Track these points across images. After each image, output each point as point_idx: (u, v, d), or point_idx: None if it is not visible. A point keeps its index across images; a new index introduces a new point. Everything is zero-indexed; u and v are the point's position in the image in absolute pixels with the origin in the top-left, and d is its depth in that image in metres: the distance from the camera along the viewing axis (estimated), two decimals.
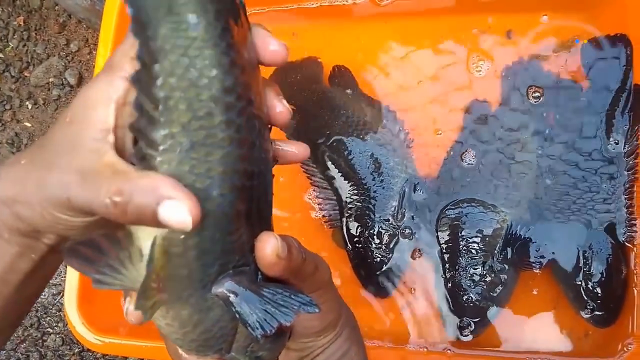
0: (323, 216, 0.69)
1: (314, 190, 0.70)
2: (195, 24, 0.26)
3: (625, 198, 0.59)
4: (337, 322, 0.39)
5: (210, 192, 0.28)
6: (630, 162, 0.59)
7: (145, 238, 0.29)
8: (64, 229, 0.30)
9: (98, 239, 0.29)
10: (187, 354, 0.36)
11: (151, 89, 0.27)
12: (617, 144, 0.60)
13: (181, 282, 0.30)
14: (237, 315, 0.30)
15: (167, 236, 0.28)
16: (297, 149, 0.35)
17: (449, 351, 0.61)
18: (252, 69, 0.30)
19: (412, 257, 0.65)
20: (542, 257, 0.60)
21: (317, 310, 0.30)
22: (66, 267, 0.85)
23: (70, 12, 1.14)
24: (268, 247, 0.30)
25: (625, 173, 0.59)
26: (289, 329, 0.37)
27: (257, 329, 0.29)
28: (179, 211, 0.25)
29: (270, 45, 0.30)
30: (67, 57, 1.16)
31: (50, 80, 1.16)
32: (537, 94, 0.64)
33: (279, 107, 0.32)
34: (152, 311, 0.29)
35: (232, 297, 0.30)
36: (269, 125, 0.33)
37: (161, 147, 0.27)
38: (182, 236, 0.28)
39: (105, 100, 0.28)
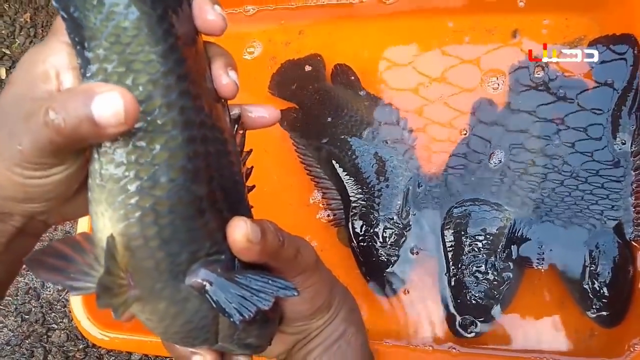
0: (328, 215, 0.69)
1: (318, 191, 0.70)
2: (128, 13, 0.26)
3: (633, 197, 0.59)
4: (330, 305, 0.40)
5: (158, 179, 0.28)
6: (638, 162, 0.59)
7: (104, 238, 0.28)
8: (27, 200, 0.30)
9: (59, 247, 0.29)
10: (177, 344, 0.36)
11: (85, 74, 0.27)
12: (623, 144, 0.60)
13: (150, 274, 0.29)
14: (214, 304, 0.29)
15: (124, 231, 0.28)
16: (268, 113, 0.34)
17: (453, 350, 0.61)
18: (191, 44, 0.29)
19: (417, 255, 0.65)
20: (547, 256, 0.60)
21: (295, 294, 0.30)
22: None
23: None
24: (237, 231, 0.30)
25: (632, 173, 0.59)
26: (276, 314, 0.37)
27: (235, 315, 0.29)
28: (112, 103, 0.25)
29: (208, 14, 0.29)
30: None
31: None
32: (543, 95, 0.64)
33: (224, 79, 0.31)
34: (124, 308, 0.29)
35: (207, 286, 0.30)
36: (223, 100, 0.32)
37: None
38: (139, 228, 0.28)
39: (43, 61, 0.28)
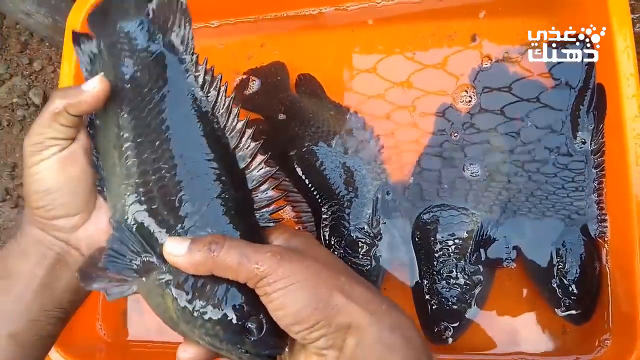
0: (299, 228, 0.69)
1: (288, 205, 0.69)
2: None
3: (595, 195, 0.60)
4: (329, 321, 0.33)
5: None
6: (598, 160, 0.60)
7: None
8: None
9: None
10: None
11: None
12: (584, 143, 0.61)
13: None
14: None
15: None
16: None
17: None
18: None
19: (389, 263, 0.65)
20: (515, 255, 0.60)
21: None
22: None
23: (32, 30, 1.11)
24: (165, 246, 0.36)
25: (594, 171, 0.60)
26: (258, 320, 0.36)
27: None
28: None
29: None
30: (31, 77, 1.14)
31: (14, 100, 1.13)
32: (504, 96, 0.65)
33: None
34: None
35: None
36: None
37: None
38: None
39: None
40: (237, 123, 0.42)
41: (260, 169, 0.41)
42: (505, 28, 0.68)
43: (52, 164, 0.41)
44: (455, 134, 0.66)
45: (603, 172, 0.60)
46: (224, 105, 0.43)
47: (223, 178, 0.40)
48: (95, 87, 0.41)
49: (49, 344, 0.42)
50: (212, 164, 0.40)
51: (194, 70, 0.43)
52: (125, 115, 0.42)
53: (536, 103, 0.64)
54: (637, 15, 0.84)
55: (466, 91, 0.67)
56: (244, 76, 0.76)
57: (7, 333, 0.39)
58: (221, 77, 0.44)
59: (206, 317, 0.35)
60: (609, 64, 0.58)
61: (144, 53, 0.43)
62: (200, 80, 0.43)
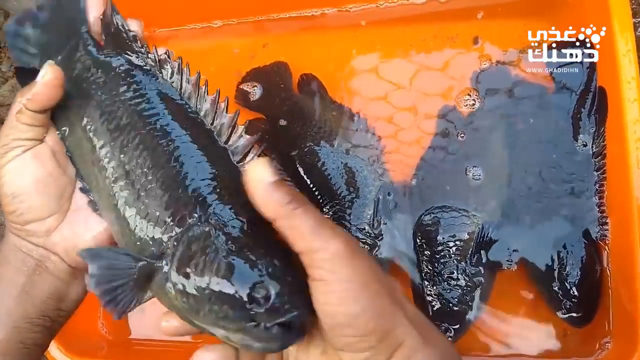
0: None
1: None
2: None
3: (597, 198, 0.60)
4: (384, 334, 0.30)
5: None
6: (599, 163, 0.60)
7: None
8: None
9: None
10: None
11: None
12: (585, 145, 0.61)
13: None
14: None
15: None
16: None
17: None
18: None
19: (390, 264, 0.65)
20: (517, 258, 0.60)
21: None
22: None
23: None
24: (252, 166, 0.32)
25: (595, 173, 0.60)
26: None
27: None
28: None
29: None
30: None
31: None
32: (506, 98, 0.65)
33: None
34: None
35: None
36: None
37: None
38: None
39: None
40: (207, 101, 0.41)
41: (241, 138, 0.39)
42: (507, 30, 0.68)
43: (16, 165, 0.39)
44: (462, 135, 0.66)
45: (604, 175, 0.60)
46: (192, 88, 0.42)
47: (213, 169, 0.38)
48: (46, 75, 0.39)
49: (35, 353, 0.41)
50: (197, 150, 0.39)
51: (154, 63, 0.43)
52: (94, 126, 0.41)
53: (538, 106, 0.64)
54: (639, 19, 0.84)
55: (469, 94, 0.67)
56: (246, 76, 0.76)
57: None
58: (181, 60, 0.43)
59: (210, 299, 0.32)
60: (610, 68, 0.58)
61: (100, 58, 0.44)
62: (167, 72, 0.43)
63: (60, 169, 0.42)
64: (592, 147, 0.61)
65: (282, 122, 0.71)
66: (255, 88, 0.75)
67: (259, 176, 0.31)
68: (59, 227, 0.41)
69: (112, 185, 0.39)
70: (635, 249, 0.53)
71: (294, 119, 0.71)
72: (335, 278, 0.29)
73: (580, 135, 0.62)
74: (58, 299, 0.41)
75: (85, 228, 0.41)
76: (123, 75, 0.43)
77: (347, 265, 0.29)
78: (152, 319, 0.73)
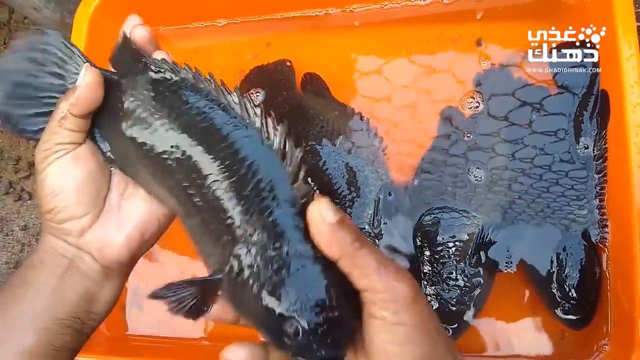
0: None
1: None
2: None
3: (597, 200, 0.60)
4: None
5: None
6: (600, 166, 0.60)
7: None
8: None
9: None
10: None
11: None
12: (586, 148, 0.62)
13: None
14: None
15: None
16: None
17: None
18: None
19: None
20: (516, 260, 0.60)
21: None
22: None
23: (40, 25, 1.12)
24: (315, 205, 0.31)
25: (596, 176, 0.60)
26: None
27: None
28: None
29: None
30: None
31: None
32: (510, 100, 0.65)
33: None
34: None
35: None
36: None
37: None
38: None
39: None
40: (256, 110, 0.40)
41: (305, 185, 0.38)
42: (510, 32, 0.68)
43: (57, 166, 0.40)
44: (467, 135, 0.66)
45: (605, 178, 0.60)
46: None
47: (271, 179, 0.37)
48: (84, 77, 0.40)
49: (66, 357, 0.41)
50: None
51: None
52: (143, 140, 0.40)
53: (540, 108, 0.64)
54: None
55: (472, 97, 0.67)
56: (250, 74, 0.76)
57: (22, 347, 0.38)
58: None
59: (256, 313, 0.32)
60: (613, 71, 0.58)
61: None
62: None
63: (99, 170, 0.43)
64: (594, 149, 0.61)
65: (284, 121, 0.71)
66: (258, 95, 0.75)
67: (323, 215, 0.31)
68: (93, 226, 0.42)
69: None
70: (635, 252, 0.53)
71: (296, 118, 0.71)
72: (398, 320, 0.29)
73: (582, 138, 0.62)
74: (89, 300, 0.42)
75: (118, 228, 0.42)
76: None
77: (412, 310, 0.30)
78: (150, 315, 0.73)
